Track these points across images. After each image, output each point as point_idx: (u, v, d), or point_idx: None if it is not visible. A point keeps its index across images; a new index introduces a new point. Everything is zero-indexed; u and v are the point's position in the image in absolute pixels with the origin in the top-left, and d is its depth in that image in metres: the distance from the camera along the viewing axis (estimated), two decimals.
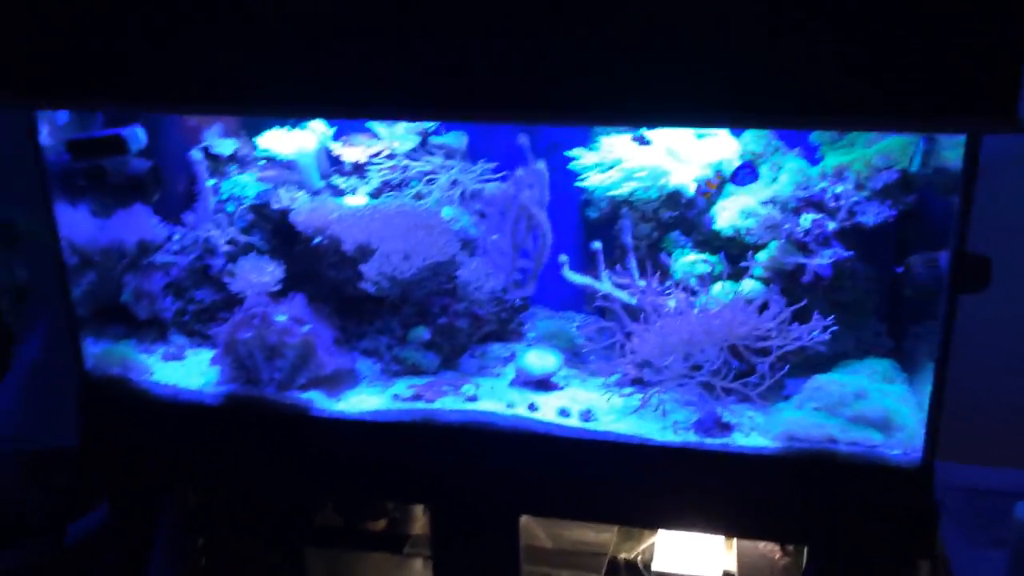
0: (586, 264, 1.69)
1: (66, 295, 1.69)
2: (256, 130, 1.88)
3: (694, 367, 1.51)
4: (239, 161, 1.91)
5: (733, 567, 1.71)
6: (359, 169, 1.88)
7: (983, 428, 1.88)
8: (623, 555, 1.77)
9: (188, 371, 1.73)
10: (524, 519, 1.65)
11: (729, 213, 1.67)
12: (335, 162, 1.90)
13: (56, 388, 1.87)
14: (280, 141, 1.83)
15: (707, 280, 1.61)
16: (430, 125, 1.87)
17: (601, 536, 1.82)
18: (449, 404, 1.60)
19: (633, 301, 1.60)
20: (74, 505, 2.01)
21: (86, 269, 1.78)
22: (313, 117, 1.84)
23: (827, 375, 1.55)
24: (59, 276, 1.68)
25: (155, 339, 1.82)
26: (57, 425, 1.83)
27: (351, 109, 1.52)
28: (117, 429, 1.73)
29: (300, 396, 1.63)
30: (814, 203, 1.62)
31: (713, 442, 1.48)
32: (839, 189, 1.60)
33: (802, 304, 1.50)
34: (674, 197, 1.72)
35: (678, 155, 1.71)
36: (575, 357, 1.73)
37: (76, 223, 1.75)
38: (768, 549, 1.74)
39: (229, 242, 1.81)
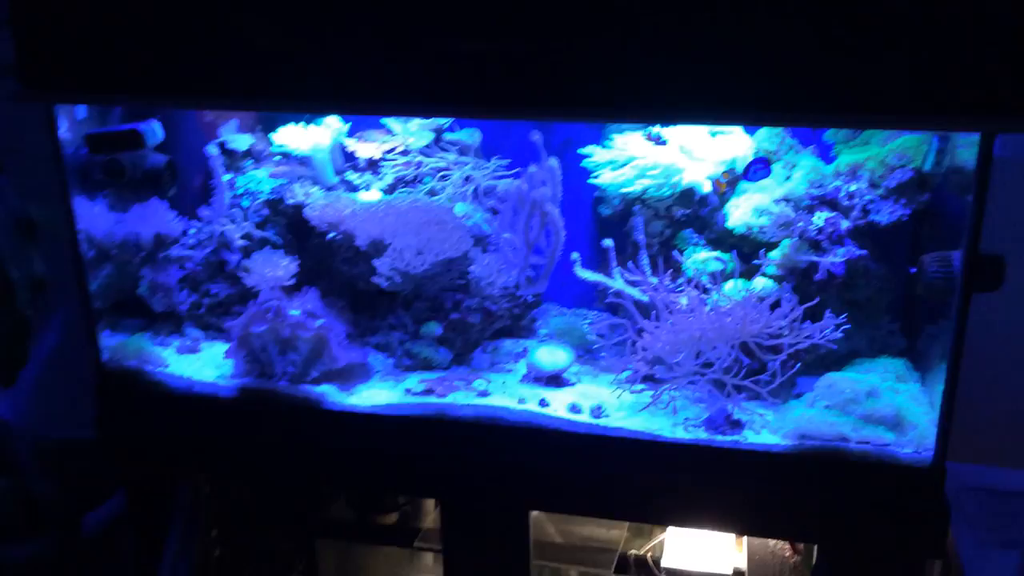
0: (598, 261, 1.69)
1: (83, 288, 1.71)
2: (272, 126, 1.90)
3: (705, 364, 1.51)
4: (255, 156, 1.92)
5: (743, 565, 1.71)
6: (373, 165, 1.89)
7: (995, 428, 1.87)
8: (633, 551, 1.77)
9: (203, 364, 1.75)
10: (534, 514, 1.65)
11: (742, 211, 1.67)
12: (349, 158, 1.91)
13: (73, 380, 1.89)
14: (295, 137, 1.84)
15: (719, 277, 1.61)
16: (444, 121, 1.88)
17: (611, 532, 1.82)
18: (460, 399, 1.60)
19: (645, 298, 1.60)
20: (90, 496, 2.02)
21: (103, 262, 1.79)
22: (328, 113, 1.85)
23: (839, 373, 1.55)
24: (76, 269, 1.69)
25: (171, 332, 1.84)
26: (74, 416, 1.84)
27: (366, 105, 1.53)
28: (133, 421, 1.74)
29: (313, 389, 1.64)
30: (828, 201, 1.62)
31: (724, 439, 1.48)
32: (853, 187, 1.60)
33: (815, 302, 1.49)
34: (687, 194, 1.72)
35: (691, 153, 1.71)
36: (587, 353, 1.73)
37: (93, 217, 1.77)
38: (778, 547, 1.73)
39: (244, 236, 1.82)
